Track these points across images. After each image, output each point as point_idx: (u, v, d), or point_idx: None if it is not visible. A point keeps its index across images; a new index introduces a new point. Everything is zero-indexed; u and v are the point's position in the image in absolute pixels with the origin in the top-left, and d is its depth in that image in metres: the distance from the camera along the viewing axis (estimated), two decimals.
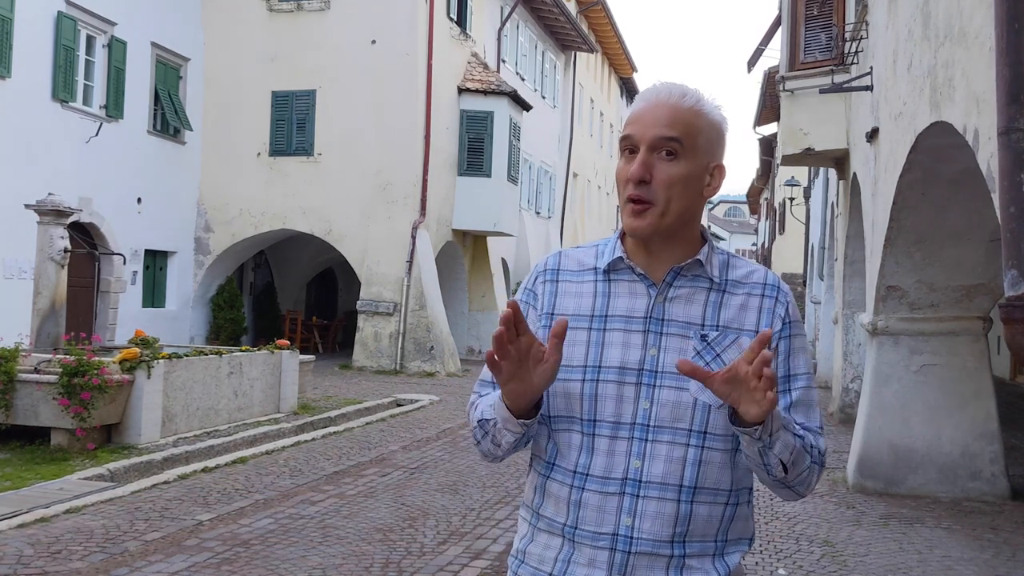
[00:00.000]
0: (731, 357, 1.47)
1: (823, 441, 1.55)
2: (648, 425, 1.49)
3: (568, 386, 1.52)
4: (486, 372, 1.63)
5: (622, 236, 1.59)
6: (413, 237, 16.45)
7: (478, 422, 1.57)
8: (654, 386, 1.50)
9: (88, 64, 14.49)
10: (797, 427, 1.50)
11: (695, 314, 1.52)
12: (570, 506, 1.53)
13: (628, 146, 1.51)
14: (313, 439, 9.12)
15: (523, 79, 22.04)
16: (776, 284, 1.57)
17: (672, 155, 1.48)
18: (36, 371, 7.85)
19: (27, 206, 9.23)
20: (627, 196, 1.50)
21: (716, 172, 1.54)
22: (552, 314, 1.58)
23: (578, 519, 1.51)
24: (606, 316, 1.54)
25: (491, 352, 1.38)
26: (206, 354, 9.44)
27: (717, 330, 1.51)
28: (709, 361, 1.49)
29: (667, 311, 1.53)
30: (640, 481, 1.49)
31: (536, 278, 1.64)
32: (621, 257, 1.56)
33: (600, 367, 1.51)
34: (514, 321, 1.38)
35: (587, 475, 1.51)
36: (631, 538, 1.48)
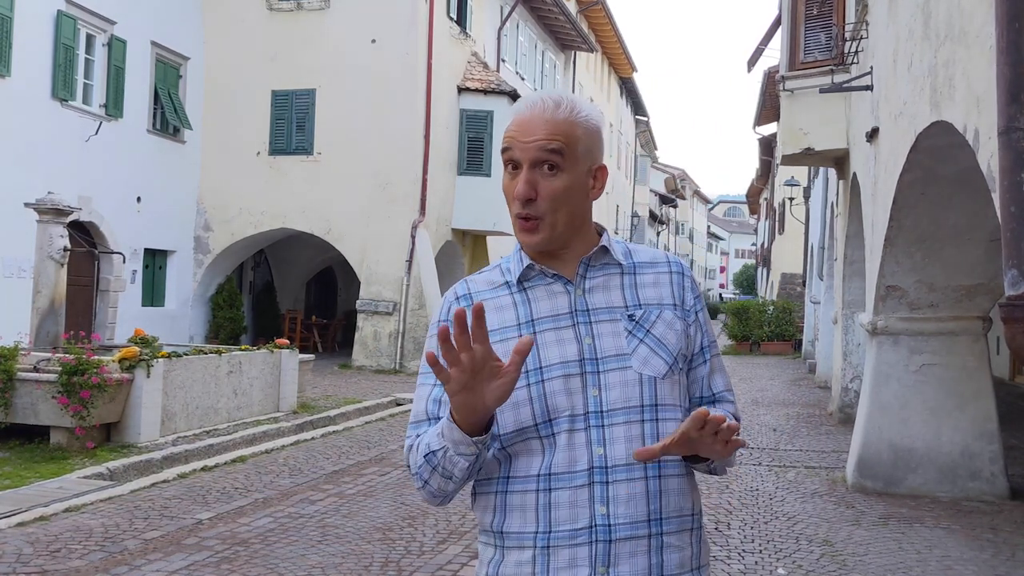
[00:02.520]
0: (660, 331, 1.57)
1: (735, 406, 1.67)
2: (601, 411, 1.51)
3: (514, 395, 1.48)
4: (417, 410, 1.59)
5: (522, 248, 1.62)
6: (413, 236, 16.46)
7: (424, 457, 1.48)
8: (598, 372, 1.53)
9: (88, 63, 14.49)
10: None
11: (615, 299, 1.58)
12: (539, 511, 1.50)
13: (510, 161, 1.53)
14: (312, 438, 9.12)
15: (523, 78, 22.04)
16: (680, 263, 1.68)
17: (554, 168, 1.51)
18: (35, 370, 7.85)
19: (27, 205, 9.22)
20: (515, 213, 1.53)
21: (599, 174, 1.59)
22: None
23: (551, 521, 1.49)
24: (532, 320, 1.56)
25: (431, 354, 1.33)
26: (205, 353, 9.44)
27: (641, 308, 1.58)
28: (642, 338, 1.55)
29: (589, 301, 1.57)
30: (606, 467, 1.50)
31: (450, 308, 1.62)
32: (532, 264, 1.58)
33: (542, 368, 1.52)
34: (475, 324, 1.32)
35: (551, 475, 1.50)
36: (609, 526, 1.48)
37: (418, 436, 1.55)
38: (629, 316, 1.56)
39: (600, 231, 1.63)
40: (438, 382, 1.51)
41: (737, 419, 1.63)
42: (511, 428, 1.51)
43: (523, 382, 1.51)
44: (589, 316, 1.55)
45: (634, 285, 1.60)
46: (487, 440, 1.44)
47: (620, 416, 1.51)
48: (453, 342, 1.32)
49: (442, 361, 1.34)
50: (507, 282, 1.60)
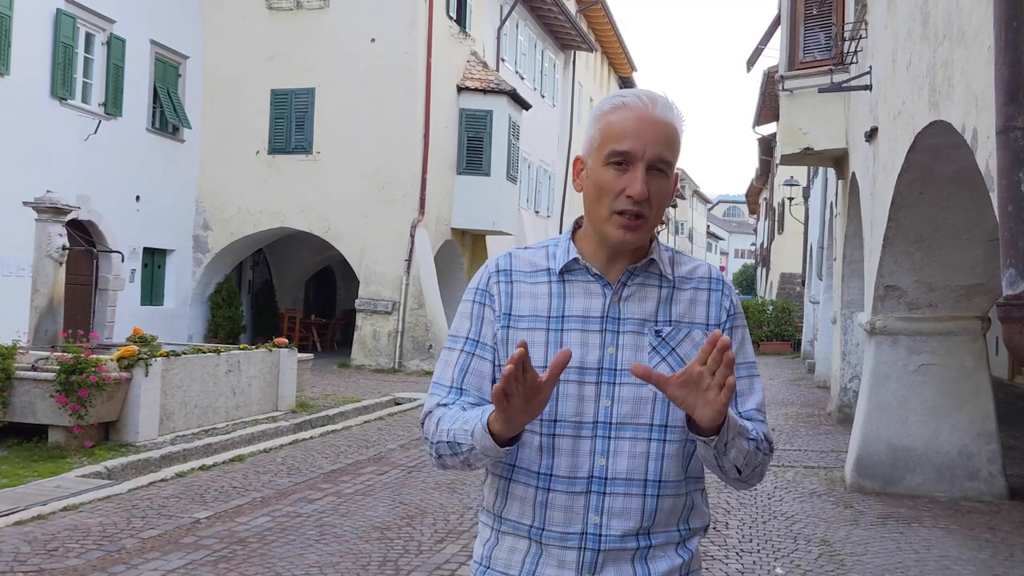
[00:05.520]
0: (685, 351, 1.54)
1: (766, 427, 1.60)
2: (610, 423, 1.52)
3: None
4: (440, 375, 1.63)
5: (573, 236, 1.62)
6: (412, 236, 16.45)
7: (448, 443, 1.52)
8: (614, 384, 1.53)
9: (87, 61, 14.48)
10: (751, 430, 1.52)
11: (649, 311, 1.57)
12: (536, 507, 1.54)
13: (621, 160, 1.51)
14: (311, 437, 9.12)
15: (522, 78, 22.03)
16: (720, 278, 1.64)
17: (662, 172, 1.52)
18: (34, 368, 7.84)
19: (25, 203, 9.21)
20: (620, 209, 1.51)
21: (676, 178, 1.60)
22: (509, 314, 1.58)
23: (545, 520, 1.53)
24: (563, 317, 1.56)
25: (499, 389, 1.35)
26: (204, 352, 9.43)
27: (670, 325, 1.56)
28: (665, 355, 1.54)
29: (622, 310, 1.56)
30: (606, 479, 1.51)
31: (489, 278, 1.63)
32: (576, 259, 1.58)
33: None
34: (525, 363, 1.36)
35: (551, 476, 1.52)
36: (600, 535, 1.51)
37: (438, 405, 1.59)
38: (656, 332, 1.55)
39: (652, 237, 1.62)
40: (465, 350, 1.60)
41: (769, 441, 1.58)
42: None
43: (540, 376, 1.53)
44: (618, 325, 1.55)
45: (670, 300, 1.58)
46: (513, 450, 1.50)
47: (628, 431, 1.52)
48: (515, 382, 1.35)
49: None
50: (549, 269, 1.60)
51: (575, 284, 1.58)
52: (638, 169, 1.50)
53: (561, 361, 1.37)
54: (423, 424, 1.61)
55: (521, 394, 1.37)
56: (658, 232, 1.63)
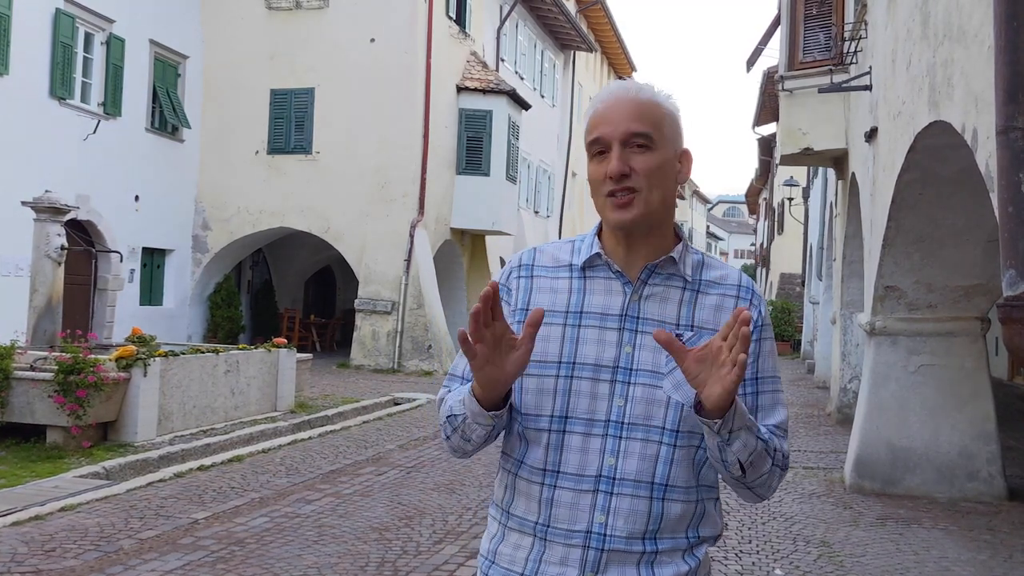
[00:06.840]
0: None
1: (785, 444, 1.56)
2: (622, 423, 1.51)
3: (542, 382, 1.53)
4: (455, 366, 1.65)
5: (599, 233, 1.61)
6: (411, 236, 16.44)
7: (447, 418, 1.56)
8: (628, 383, 1.51)
9: (86, 61, 14.47)
10: (763, 431, 1.50)
11: (670, 313, 1.54)
12: (541, 504, 1.53)
13: (600, 148, 1.52)
14: (310, 438, 9.10)
15: (522, 78, 22.02)
16: (750, 287, 1.60)
17: (643, 147, 1.50)
18: (32, 368, 7.83)
19: (24, 203, 9.20)
20: (608, 191, 1.51)
21: (684, 158, 1.57)
22: (526, 309, 1.58)
23: (550, 517, 1.52)
24: (581, 312, 1.55)
25: (463, 332, 1.38)
26: (203, 352, 9.42)
27: (692, 330, 1.53)
28: None
29: (642, 309, 1.54)
30: (614, 478, 1.50)
31: (510, 274, 1.63)
32: (599, 254, 1.57)
33: (575, 363, 1.52)
34: (492, 303, 1.38)
35: (559, 472, 1.52)
36: (604, 535, 1.49)
37: (448, 391, 1.62)
38: (677, 336, 1.49)
39: (679, 234, 1.59)
40: None
41: (785, 456, 1.53)
42: (531, 411, 1.54)
43: (554, 372, 1.53)
44: (637, 324, 1.53)
45: (694, 303, 1.55)
46: (502, 415, 1.49)
47: (639, 432, 1.50)
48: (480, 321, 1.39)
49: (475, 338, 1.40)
50: (571, 264, 1.59)
51: (596, 280, 1.57)
52: (613, 150, 1.50)
53: (536, 318, 1.40)
54: (437, 410, 1.64)
55: (491, 343, 1.39)
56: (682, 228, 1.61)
